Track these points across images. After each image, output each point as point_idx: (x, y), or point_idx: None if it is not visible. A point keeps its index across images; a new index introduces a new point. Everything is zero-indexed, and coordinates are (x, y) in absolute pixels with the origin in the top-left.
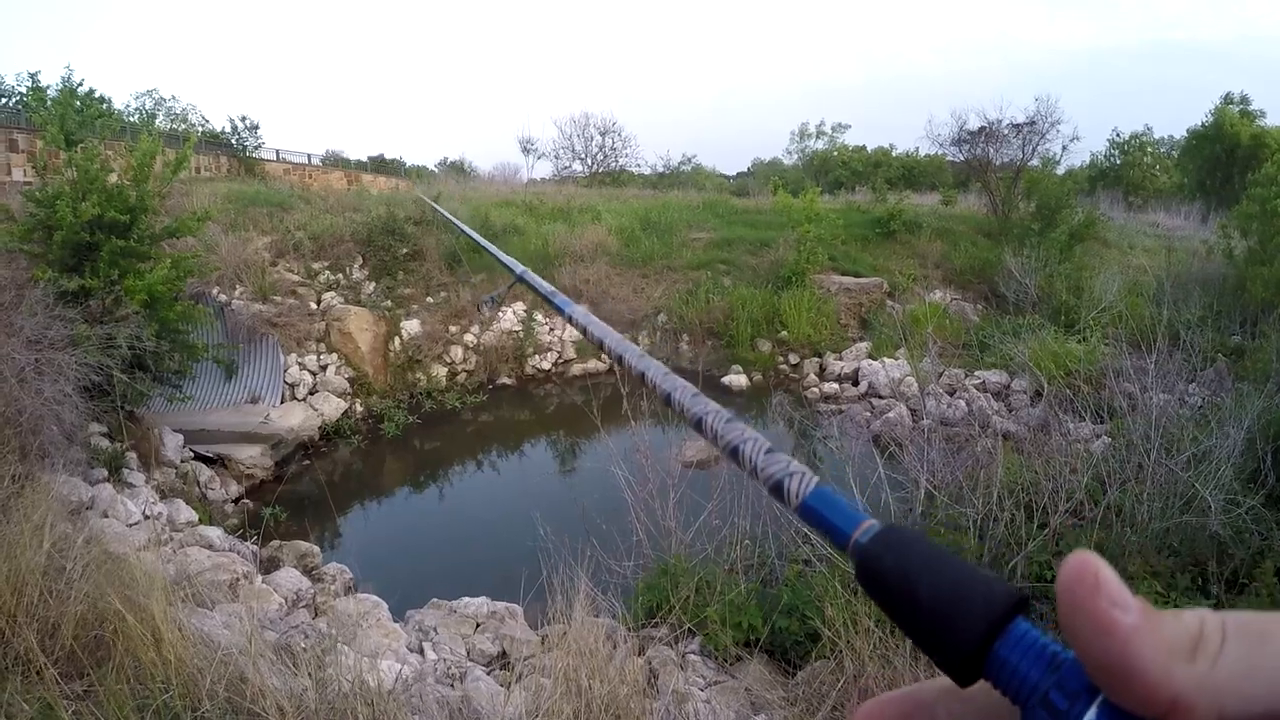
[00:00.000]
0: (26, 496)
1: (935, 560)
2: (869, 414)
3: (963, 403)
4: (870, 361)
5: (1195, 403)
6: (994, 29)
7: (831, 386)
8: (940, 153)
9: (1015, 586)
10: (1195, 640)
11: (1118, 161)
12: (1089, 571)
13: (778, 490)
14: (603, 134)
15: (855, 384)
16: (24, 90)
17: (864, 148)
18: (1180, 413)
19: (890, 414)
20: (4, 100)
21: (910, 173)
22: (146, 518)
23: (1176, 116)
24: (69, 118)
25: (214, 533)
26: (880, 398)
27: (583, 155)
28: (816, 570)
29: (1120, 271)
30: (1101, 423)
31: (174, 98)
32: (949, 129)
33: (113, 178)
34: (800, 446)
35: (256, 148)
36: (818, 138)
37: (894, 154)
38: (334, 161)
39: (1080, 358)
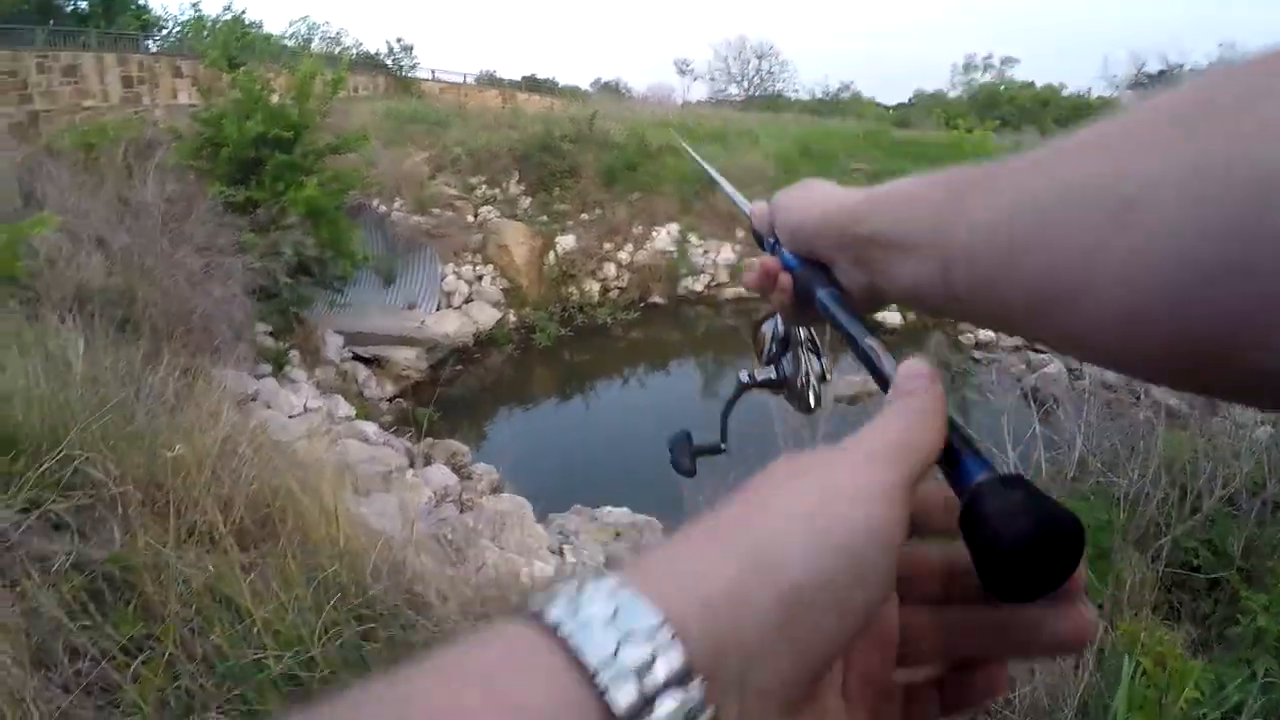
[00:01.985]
0: (198, 388)
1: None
2: (1024, 366)
3: None
4: None
5: None
6: None
7: (987, 334)
8: (1114, 95)
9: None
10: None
11: None
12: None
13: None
14: (759, 57)
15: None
16: (185, 20)
17: (1032, 84)
18: None
19: (1047, 369)
20: (166, 31)
21: (1081, 115)
22: (307, 410)
23: None
24: (230, 43)
25: (369, 427)
26: (1038, 351)
27: (739, 79)
28: None
29: None
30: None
31: (327, 23)
32: (1125, 70)
33: (274, 98)
34: (952, 390)
35: (412, 68)
36: (984, 71)
37: (1063, 94)
38: (489, 80)
39: None
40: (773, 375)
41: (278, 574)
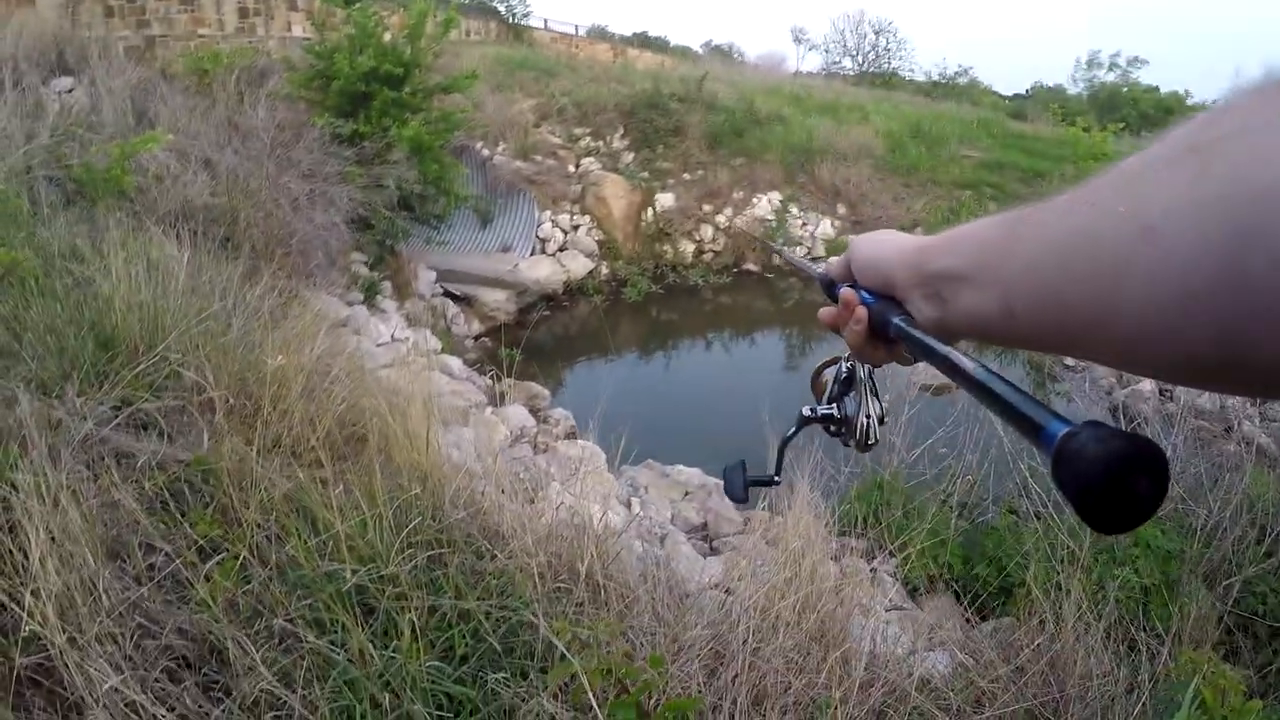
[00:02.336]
0: (293, 309)
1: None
2: (1114, 380)
3: (1216, 395)
4: None
5: None
6: None
7: None
8: None
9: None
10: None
11: None
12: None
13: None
14: (877, 33)
15: None
16: None
17: (1157, 89)
18: None
19: (1139, 386)
20: None
21: None
22: (394, 340)
23: None
24: None
25: (454, 362)
26: None
27: (854, 52)
28: (1029, 527)
29: None
30: None
31: None
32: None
33: (387, 35)
34: (1037, 394)
35: (525, 16)
36: (1109, 69)
37: (1189, 102)
38: (599, 34)
39: None
40: (834, 412)
41: (363, 490)
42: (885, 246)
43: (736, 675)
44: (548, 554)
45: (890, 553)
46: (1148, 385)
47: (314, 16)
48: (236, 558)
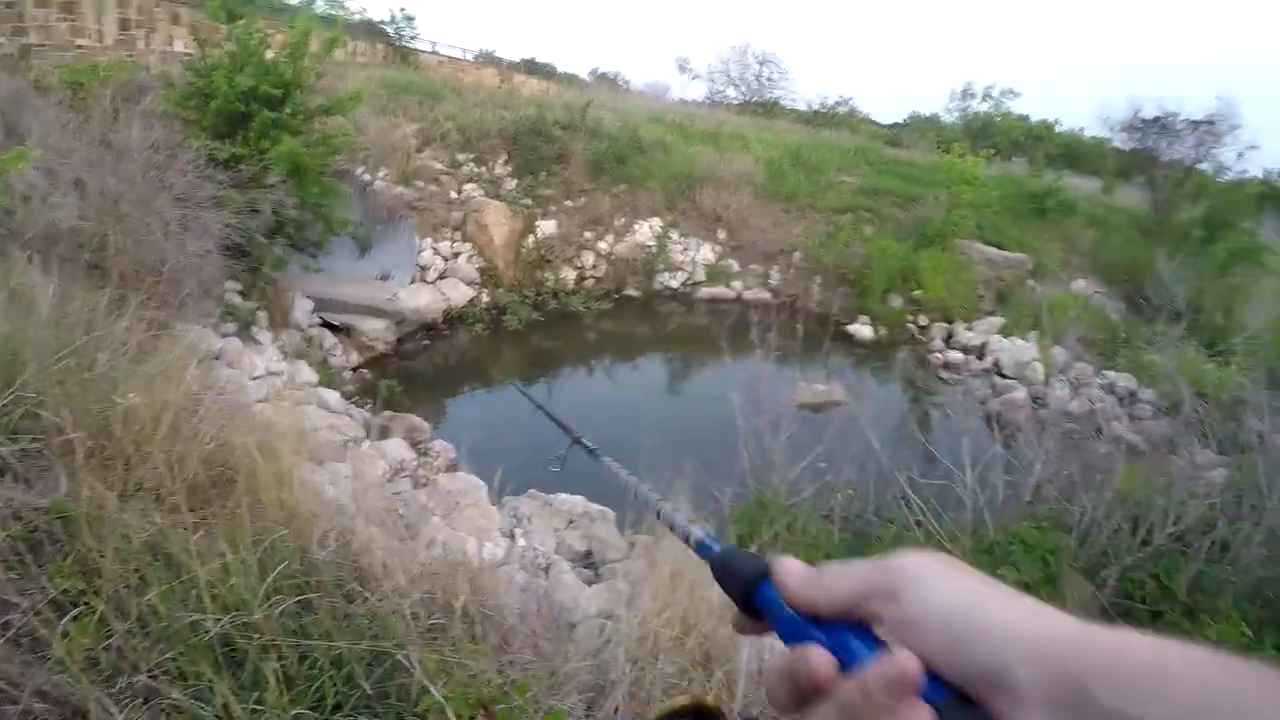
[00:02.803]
0: (163, 342)
1: (739, 557)
2: (989, 391)
3: (1087, 400)
4: (1000, 338)
5: None
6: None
7: (956, 355)
8: (1107, 137)
9: (765, 565)
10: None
11: None
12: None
13: (685, 539)
14: (760, 64)
15: (980, 358)
16: None
17: (1027, 118)
18: None
19: (1012, 395)
20: None
21: (1072, 153)
22: (269, 373)
23: None
24: None
25: (331, 395)
26: (1004, 377)
27: (737, 82)
28: (910, 535)
29: (1276, 300)
30: (1224, 454)
31: None
32: (1121, 114)
33: (270, 53)
34: (914, 409)
35: (412, 38)
36: (982, 100)
37: (1057, 130)
38: (487, 59)
39: (1216, 382)
40: None
41: (225, 534)
42: (993, 617)
43: (617, 707)
44: (422, 592)
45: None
46: (1020, 394)
47: (196, 31)
48: (95, 611)
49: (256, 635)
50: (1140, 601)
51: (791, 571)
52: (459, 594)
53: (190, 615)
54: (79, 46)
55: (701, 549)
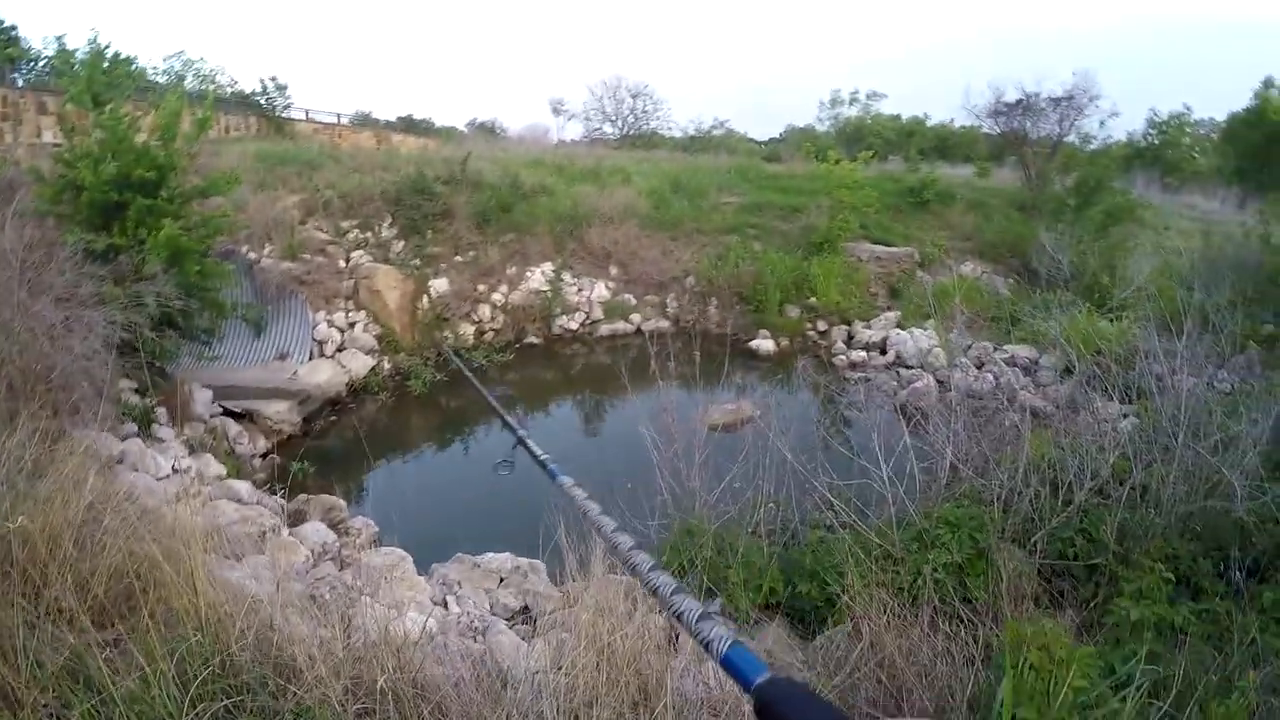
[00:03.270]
0: (59, 451)
1: (811, 706)
2: (895, 383)
3: (991, 376)
4: (899, 331)
5: (1225, 388)
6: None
7: (859, 354)
8: (976, 124)
9: None
10: None
11: (1156, 142)
12: None
13: (706, 646)
14: (634, 96)
15: (883, 353)
16: (51, 54)
17: (898, 117)
18: (1209, 397)
19: (918, 384)
20: (33, 65)
21: (944, 144)
22: (176, 471)
23: (1216, 98)
24: (96, 79)
25: (242, 486)
26: (908, 367)
27: (614, 118)
28: (838, 537)
29: (1154, 253)
30: (1129, 403)
31: (202, 59)
32: (985, 100)
33: (141, 137)
34: (825, 412)
35: (285, 108)
36: (850, 104)
37: (928, 124)
38: (363, 121)
39: (1111, 337)
40: None
41: (140, 647)
42: None
43: None
44: (348, 678)
45: (713, 591)
46: (925, 382)
47: (63, 121)
48: None
49: None
50: (1074, 558)
51: None
52: (384, 672)
53: None
54: None
55: (733, 664)
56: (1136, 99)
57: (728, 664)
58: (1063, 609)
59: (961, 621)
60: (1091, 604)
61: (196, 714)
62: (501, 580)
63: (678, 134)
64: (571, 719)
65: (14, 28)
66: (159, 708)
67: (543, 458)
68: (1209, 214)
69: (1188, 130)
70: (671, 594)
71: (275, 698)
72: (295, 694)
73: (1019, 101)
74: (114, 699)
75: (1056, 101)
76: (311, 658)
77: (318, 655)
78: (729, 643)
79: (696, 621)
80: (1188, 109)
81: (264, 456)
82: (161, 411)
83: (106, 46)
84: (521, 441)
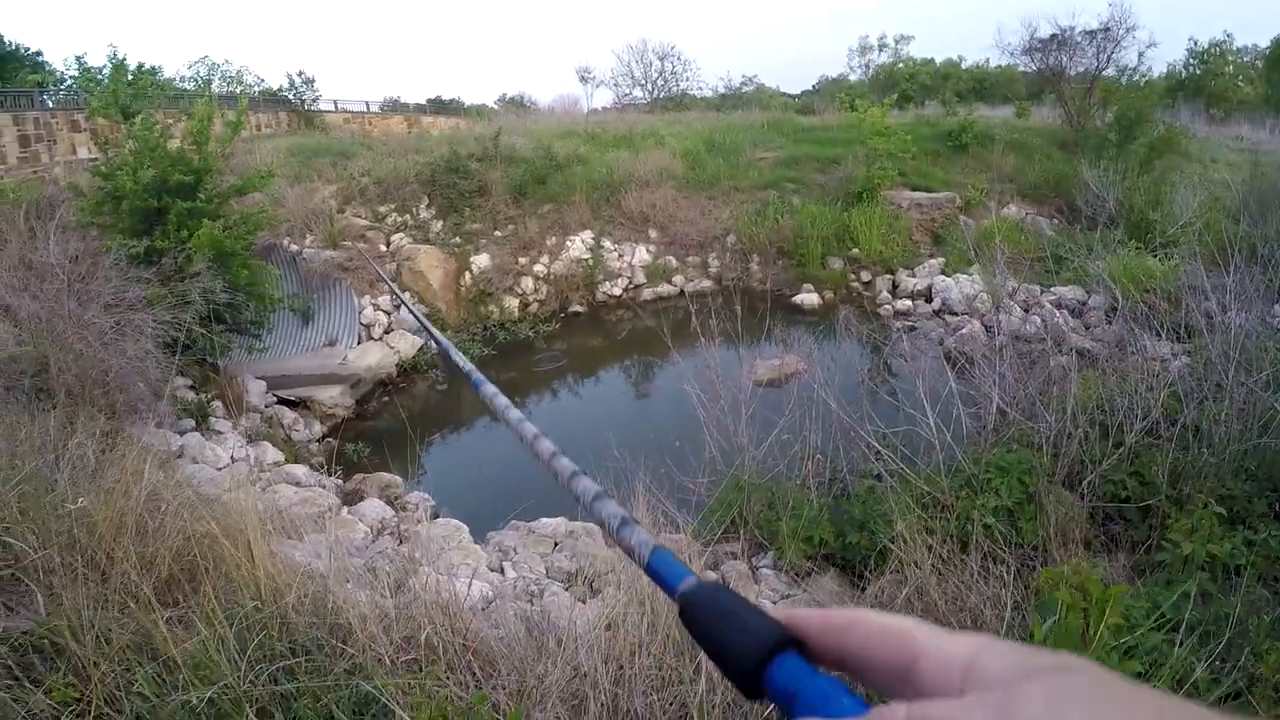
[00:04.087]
0: (119, 450)
1: (728, 610)
2: (942, 330)
3: (1038, 319)
4: (943, 278)
5: (1277, 323)
6: None
7: (905, 303)
8: (1012, 63)
9: (778, 632)
10: None
11: (1197, 72)
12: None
13: (629, 552)
14: (661, 59)
15: (929, 300)
16: (74, 75)
17: (932, 61)
18: (1261, 332)
19: (964, 330)
20: (60, 86)
21: (981, 85)
22: (235, 461)
23: (1258, 23)
24: (121, 92)
25: (300, 470)
26: (954, 314)
27: (643, 82)
28: (887, 486)
29: (1201, 186)
30: (1180, 342)
31: (227, 62)
32: (1019, 37)
33: (174, 143)
34: (873, 362)
35: (314, 101)
36: (880, 51)
37: (963, 66)
38: (392, 107)
39: (1158, 274)
40: None
41: (201, 616)
42: None
43: (603, 706)
44: (398, 636)
45: (763, 545)
46: (972, 327)
47: (97, 135)
48: (92, 711)
49: (248, 706)
50: (1125, 500)
51: (818, 629)
52: (432, 629)
53: (180, 696)
54: None
55: (659, 575)
56: (1175, 28)
57: (651, 571)
58: (1116, 552)
59: (1009, 567)
60: (1145, 546)
61: (255, 674)
62: (556, 545)
63: (709, 93)
64: (616, 667)
65: (39, 53)
66: (219, 669)
67: (466, 369)
68: (1258, 144)
69: (1230, 59)
70: (592, 500)
71: (329, 657)
72: (349, 652)
73: (1053, 37)
74: (176, 663)
75: (1092, 34)
76: (364, 617)
77: (370, 615)
78: (651, 549)
79: (619, 529)
80: (1229, 36)
81: (320, 441)
82: (217, 405)
83: (124, 59)
84: (443, 350)
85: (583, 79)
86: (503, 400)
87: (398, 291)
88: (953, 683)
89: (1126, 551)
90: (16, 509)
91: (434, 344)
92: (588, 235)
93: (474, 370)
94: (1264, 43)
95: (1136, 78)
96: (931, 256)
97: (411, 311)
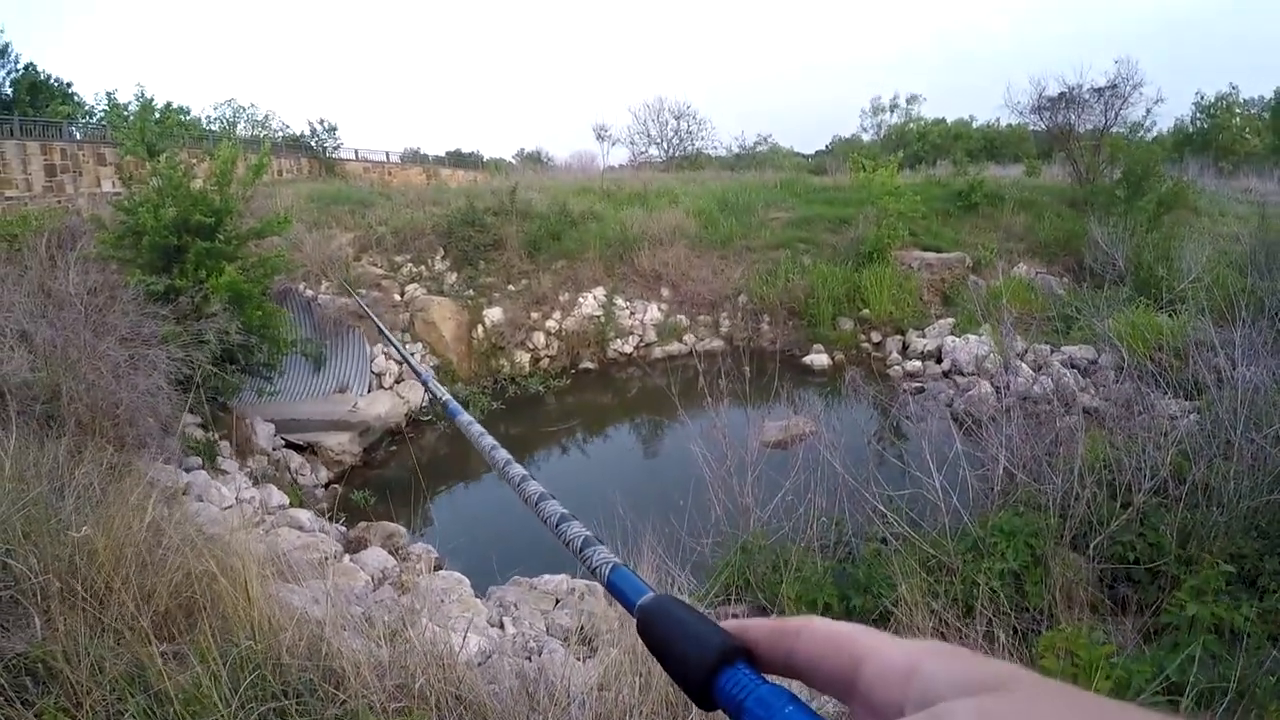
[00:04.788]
0: (125, 482)
1: (679, 621)
2: (952, 392)
3: (1048, 379)
4: (953, 338)
5: None
6: None
7: (915, 364)
8: (1021, 122)
9: (725, 642)
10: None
11: (1204, 125)
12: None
13: (592, 570)
14: (677, 118)
15: (938, 361)
16: (104, 109)
17: (943, 120)
18: (1270, 387)
19: (973, 391)
20: (88, 118)
21: (992, 144)
22: (240, 502)
23: (1262, 75)
24: (148, 130)
25: (304, 515)
26: (963, 375)
27: (658, 140)
28: (893, 549)
29: (1209, 240)
30: (1189, 399)
31: (253, 105)
32: (1028, 96)
33: (197, 183)
34: (880, 424)
35: (336, 149)
36: (891, 111)
37: (974, 125)
38: (412, 158)
39: (1166, 331)
40: None
41: (195, 653)
42: None
43: None
44: (391, 684)
45: (766, 608)
46: (982, 388)
47: (121, 170)
48: None
49: None
50: (1134, 562)
51: (767, 637)
52: (426, 680)
53: None
54: (8, 197)
55: (618, 591)
56: (1181, 82)
57: (612, 587)
58: (1123, 616)
59: (1016, 632)
60: (1154, 609)
61: (246, 713)
62: (558, 602)
63: (723, 152)
64: None
65: (70, 84)
66: (211, 705)
67: (444, 399)
68: (1266, 195)
69: (1236, 111)
70: (559, 524)
71: (321, 701)
72: (340, 697)
73: (1061, 95)
74: (169, 697)
75: (1100, 92)
76: (357, 664)
77: (364, 662)
78: (611, 567)
79: (582, 548)
80: (1234, 89)
81: (326, 486)
82: (225, 444)
83: (151, 99)
84: (422, 381)
85: (599, 136)
86: (477, 428)
87: (373, 316)
88: (893, 690)
89: (1135, 615)
90: (20, 531)
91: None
92: (600, 292)
93: (450, 399)
94: (1269, 94)
95: (1141, 133)
96: (941, 317)
97: (384, 332)
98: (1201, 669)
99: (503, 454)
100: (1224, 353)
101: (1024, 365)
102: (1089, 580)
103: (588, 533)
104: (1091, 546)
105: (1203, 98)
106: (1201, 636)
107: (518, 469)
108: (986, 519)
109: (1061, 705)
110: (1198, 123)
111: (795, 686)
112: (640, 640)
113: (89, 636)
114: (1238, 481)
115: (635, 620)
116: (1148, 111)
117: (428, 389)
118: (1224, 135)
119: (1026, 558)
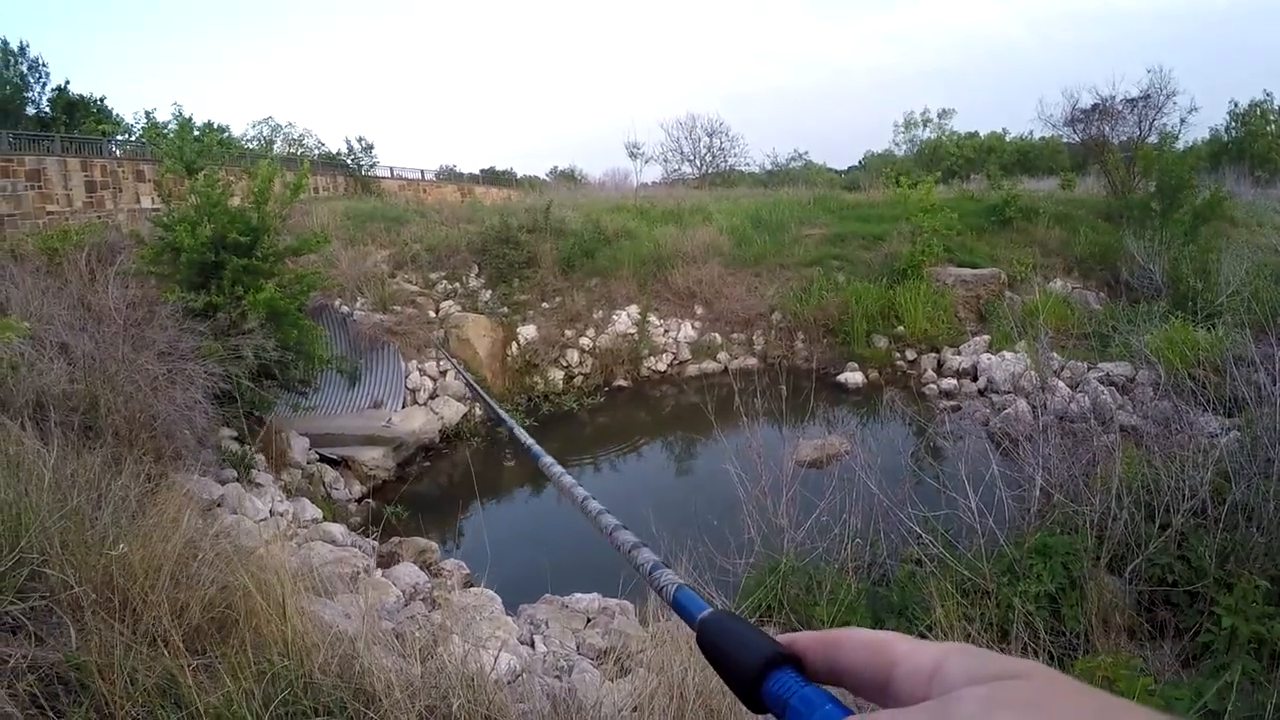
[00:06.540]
0: (161, 494)
1: (734, 631)
2: (988, 410)
3: (1085, 397)
4: (989, 356)
5: None
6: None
7: (950, 382)
8: (1055, 134)
9: (773, 649)
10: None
11: (1240, 134)
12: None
13: (659, 591)
14: (710, 135)
15: (974, 379)
16: (142, 127)
17: (976, 134)
18: None
19: (1009, 410)
20: (127, 135)
21: (1026, 157)
22: (273, 515)
23: None
24: (187, 147)
25: (337, 529)
26: (999, 393)
27: (691, 157)
28: (928, 571)
29: (1248, 251)
30: (1229, 415)
31: (290, 124)
32: (1061, 109)
33: (235, 201)
34: (915, 444)
35: (371, 166)
36: (924, 126)
37: (1008, 139)
38: (447, 176)
39: (1205, 346)
40: None
41: (227, 668)
42: None
43: None
44: (422, 705)
45: (798, 630)
46: (1018, 406)
47: (160, 187)
48: None
49: None
50: (1172, 585)
51: (813, 647)
52: (459, 703)
53: None
54: (49, 213)
55: (682, 608)
56: (1213, 89)
57: (676, 605)
58: (1162, 640)
59: (1052, 658)
60: (1193, 633)
61: None
62: (589, 621)
63: (756, 169)
64: None
65: (104, 98)
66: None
67: (527, 443)
68: None
69: (1271, 119)
70: (630, 550)
71: None
72: (372, 718)
73: (1095, 106)
74: (200, 712)
75: (1133, 103)
76: (389, 684)
77: (395, 682)
78: (676, 587)
79: (651, 571)
80: (1269, 95)
81: (360, 501)
82: (260, 458)
83: (190, 118)
84: (509, 428)
85: (632, 154)
86: (558, 469)
87: (464, 374)
88: (920, 688)
89: (1173, 639)
90: (58, 542)
91: (492, 416)
92: (634, 310)
93: (534, 444)
94: None
95: (1171, 143)
96: (976, 334)
97: (479, 393)
98: (1240, 696)
99: (581, 491)
100: (1264, 368)
101: (1060, 383)
102: (1126, 603)
103: (656, 558)
104: (1129, 568)
105: (1236, 106)
106: (1240, 659)
107: (595, 504)
108: (1022, 540)
109: (1069, 695)
110: (1232, 131)
111: (840, 694)
112: (699, 651)
113: (123, 649)
114: (1278, 502)
115: (695, 632)
116: (1182, 121)
117: (514, 435)
118: (1259, 143)
119: (1063, 579)
